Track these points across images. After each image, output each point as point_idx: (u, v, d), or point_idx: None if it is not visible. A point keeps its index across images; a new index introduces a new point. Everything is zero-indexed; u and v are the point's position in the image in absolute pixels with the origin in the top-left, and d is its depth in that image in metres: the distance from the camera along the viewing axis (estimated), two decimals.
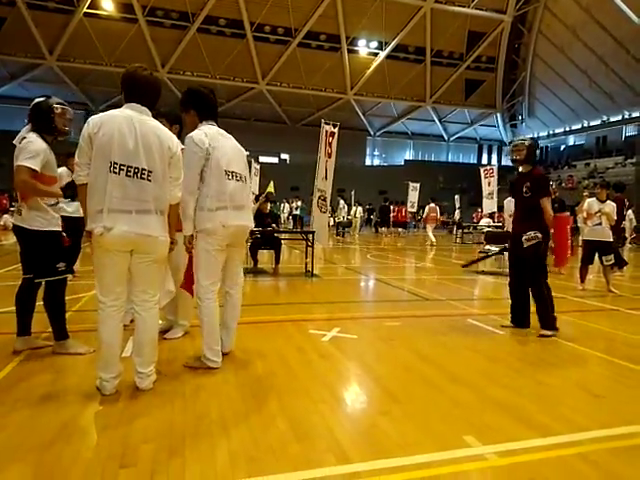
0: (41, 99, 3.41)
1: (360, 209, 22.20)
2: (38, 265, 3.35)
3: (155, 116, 2.83)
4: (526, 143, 4.57)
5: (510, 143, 4.83)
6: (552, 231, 4.34)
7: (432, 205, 16.80)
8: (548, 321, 4.43)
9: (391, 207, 20.41)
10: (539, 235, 4.36)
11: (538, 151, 4.57)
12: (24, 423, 2.38)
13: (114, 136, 2.58)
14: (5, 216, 16.31)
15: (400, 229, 20.75)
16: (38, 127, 3.33)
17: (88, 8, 28.65)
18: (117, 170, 2.58)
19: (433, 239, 15.91)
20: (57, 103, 3.39)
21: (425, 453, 2.20)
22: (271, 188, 13.63)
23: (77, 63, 30.59)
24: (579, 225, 8.72)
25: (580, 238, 7.91)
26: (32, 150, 3.16)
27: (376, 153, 42.79)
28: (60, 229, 3.44)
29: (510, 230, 5.14)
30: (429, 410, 2.70)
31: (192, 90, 3.33)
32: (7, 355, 3.34)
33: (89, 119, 2.65)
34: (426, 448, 2.25)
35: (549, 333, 4.38)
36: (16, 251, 3.56)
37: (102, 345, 2.71)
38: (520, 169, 4.65)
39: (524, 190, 4.48)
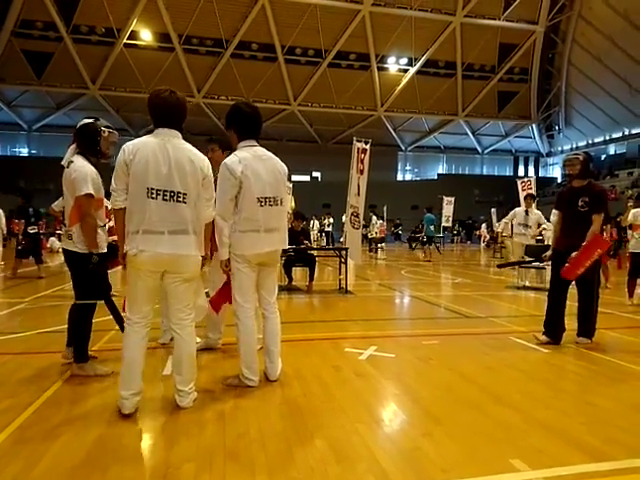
0: (89, 120, 3.45)
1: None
2: (90, 287, 3.36)
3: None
4: (580, 158, 4.56)
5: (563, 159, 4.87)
6: (584, 244, 4.30)
7: (380, 221, 20.58)
8: (591, 328, 4.52)
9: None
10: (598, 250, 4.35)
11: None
12: (69, 442, 2.43)
13: (149, 162, 2.66)
14: (51, 239, 16.99)
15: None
16: (83, 148, 3.39)
17: (128, 39, 30.18)
18: (154, 195, 2.67)
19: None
20: (104, 126, 3.45)
21: (470, 477, 2.12)
22: (292, 204, 13.76)
23: (118, 91, 32.08)
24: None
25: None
26: (82, 177, 3.23)
27: (408, 168, 42.51)
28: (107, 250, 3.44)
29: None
30: (473, 432, 2.61)
31: (234, 107, 3.27)
32: (53, 374, 3.45)
33: (124, 146, 2.72)
34: (471, 472, 2.16)
35: (587, 341, 4.49)
36: (61, 272, 3.68)
37: (124, 360, 2.74)
38: (573, 183, 4.64)
39: (580, 204, 4.46)
